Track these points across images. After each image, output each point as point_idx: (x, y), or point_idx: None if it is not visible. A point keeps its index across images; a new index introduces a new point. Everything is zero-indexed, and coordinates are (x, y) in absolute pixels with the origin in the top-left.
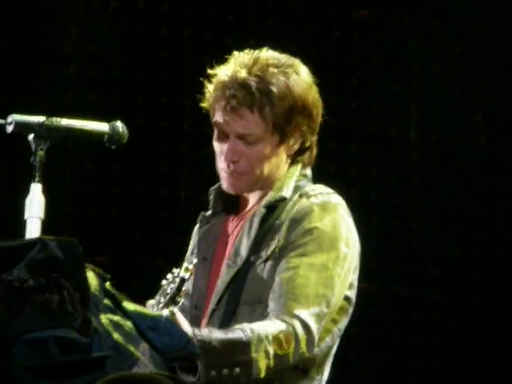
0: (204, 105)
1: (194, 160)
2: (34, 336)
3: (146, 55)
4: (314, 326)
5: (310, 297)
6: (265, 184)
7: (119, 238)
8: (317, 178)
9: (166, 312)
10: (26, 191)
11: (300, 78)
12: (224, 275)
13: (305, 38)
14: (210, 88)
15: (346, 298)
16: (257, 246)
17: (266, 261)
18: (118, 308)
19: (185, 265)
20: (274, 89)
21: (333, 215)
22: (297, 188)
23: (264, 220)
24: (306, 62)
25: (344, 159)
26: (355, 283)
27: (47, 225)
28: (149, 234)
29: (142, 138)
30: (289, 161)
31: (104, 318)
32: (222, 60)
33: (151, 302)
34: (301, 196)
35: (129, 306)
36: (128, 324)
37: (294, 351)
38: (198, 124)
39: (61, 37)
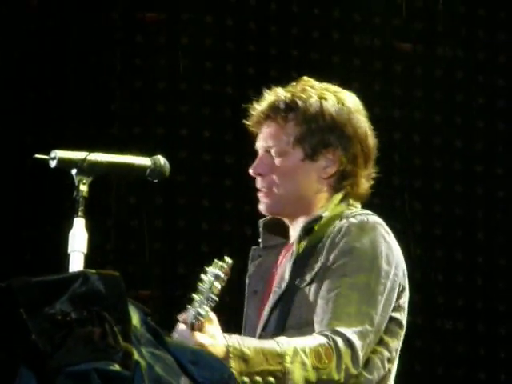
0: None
1: (237, 193)
2: (76, 369)
3: (189, 89)
4: (357, 343)
5: (352, 315)
6: (300, 207)
7: (163, 272)
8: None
9: (202, 311)
10: (70, 226)
11: (338, 100)
12: (270, 301)
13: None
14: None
15: (395, 321)
16: (300, 269)
17: (310, 283)
18: (159, 342)
19: (219, 262)
20: (301, 103)
21: (371, 234)
22: (338, 214)
23: (303, 243)
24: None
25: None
26: (405, 305)
27: (91, 259)
28: (192, 267)
29: (185, 172)
30: (325, 185)
31: (146, 352)
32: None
33: (189, 306)
34: (341, 219)
35: (169, 340)
36: (169, 358)
37: (337, 366)
38: (240, 157)
39: (105, 71)
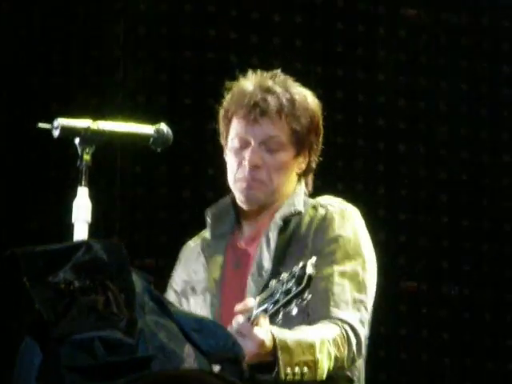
0: (219, 116)
1: None
2: (80, 337)
3: (193, 57)
4: (361, 331)
5: (349, 303)
6: (275, 199)
7: (168, 241)
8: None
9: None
10: (75, 195)
11: (314, 97)
12: (253, 290)
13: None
14: (227, 98)
15: None
16: (281, 258)
17: None
18: (162, 310)
19: (309, 261)
20: (298, 98)
21: (351, 221)
22: (305, 203)
23: (281, 233)
24: None
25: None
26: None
27: (97, 228)
28: None
29: (190, 140)
30: (295, 179)
31: (149, 320)
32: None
33: (252, 301)
34: (315, 207)
35: (173, 308)
36: (173, 326)
37: (348, 354)
38: None
39: (109, 40)
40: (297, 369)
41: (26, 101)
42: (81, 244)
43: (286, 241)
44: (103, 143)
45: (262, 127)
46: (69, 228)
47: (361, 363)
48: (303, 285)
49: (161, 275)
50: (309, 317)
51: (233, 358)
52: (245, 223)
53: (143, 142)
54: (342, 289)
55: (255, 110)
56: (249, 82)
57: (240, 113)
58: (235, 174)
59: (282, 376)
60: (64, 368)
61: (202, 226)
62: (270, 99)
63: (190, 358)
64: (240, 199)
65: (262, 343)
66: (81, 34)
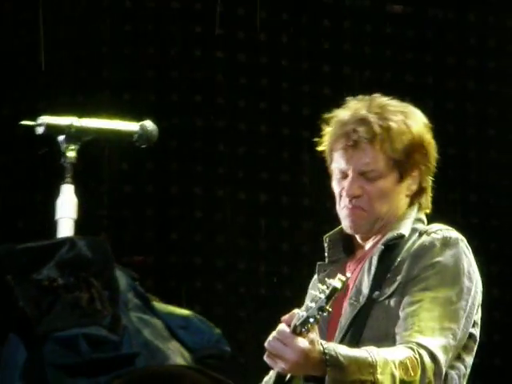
0: (321, 148)
1: (230, 157)
2: (64, 334)
3: (179, 54)
4: (441, 357)
5: (435, 329)
6: (383, 225)
7: (156, 238)
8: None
9: (312, 319)
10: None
11: (416, 117)
12: (347, 313)
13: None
14: (327, 130)
15: (471, 336)
16: (378, 284)
17: (389, 297)
18: (147, 307)
19: (338, 276)
20: (394, 124)
21: (454, 250)
22: (414, 230)
23: (383, 258)
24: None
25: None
26: (479, 321)
27: (84, 226)
28: (185, 232)
29: (178, 137)
30: (407, 202)
31: (134, 317)
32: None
33: (296, 310)
34: (420, 234)
35: (158, 305)
36: (158, 323)
37: (421, 380)
38: (233, 121)
39: (95, 38)
40: None
41: (12, 99)
42: (64, 241)
43: (386, 266)
44: (88, 141)
45: (357, 158)
46: (55, 226)
47: None
48: (325, 296)
49: (149, 271)
50: (395, 342)
51: (218, 355)
52: (357, 248)
53: (128, 139)
54: (431, 315)
55: (350, 139)
56: (345, 112)
57: (336, 145)
58: (339, 202)
59: None
60: (48, 365)
61: (190, 222)
62: (363, 129)
63: (175, 354)
64: (345, 225)
65: (302, 352)
66: (67, 31)
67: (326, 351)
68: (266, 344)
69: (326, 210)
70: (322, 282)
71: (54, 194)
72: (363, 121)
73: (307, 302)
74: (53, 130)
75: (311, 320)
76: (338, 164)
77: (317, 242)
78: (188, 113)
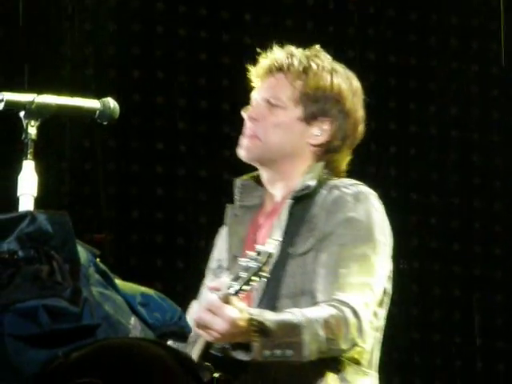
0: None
1: (191, 135)
2: (24, 305)
3: (141, 31)
4: (362, 313)
5: (355, 285)
6: (282, 167)
7: (117, 215)
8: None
9: (245, 288)
10: (21, 169)
11: (347, 77)
12: None
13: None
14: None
15: (384, 290)
16: (291, 239)
17: (306, 253)
18: (108, 283)
19: (268, 240)
20: (315, 67)
21: (365, 204)
22: (323, 184)
23: (293, 212)
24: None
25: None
26: (391, 274)
27: (45, 203)
28: (146, 210)
29: (139, 114)
30: (311, 153)
31: (95, 291)
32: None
33: (224, 278)
34: (331, 189)
35: (119, 283)
36: (118, 298)
37: (344, 336)
38: (193, 99)
39: (56, 13)
40: (278, 351)
41: None
42: (25, 215)
43: (298, 221)
44: (49, 117)
45: (266, 84)
46: (16, 202)
47: (373, 346)
48: (261, 263)
49: (110, 249)
50: (316, 300)
51: (179, 332)
52: (266, 198)
53: (89, 116)
54: (349, 271)
55: (266, 69)
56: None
57: (258, 74)
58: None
59: (260, 358)
60: (8, 336)
61: (151, 200)
62: (283, 60)
63: (136, 329)
64: (238, 154)
65: (232, 322)
66: (27, 7)
67: (254, 317)
68: (195, 316)
69: None
70: (233, 231)
71: (16, 170)
72: (289, 54)
73: (235, 268)
74: (13, 106)
75: (247, 288)
76: (253, 92)
77: None
78: (150, 90)
